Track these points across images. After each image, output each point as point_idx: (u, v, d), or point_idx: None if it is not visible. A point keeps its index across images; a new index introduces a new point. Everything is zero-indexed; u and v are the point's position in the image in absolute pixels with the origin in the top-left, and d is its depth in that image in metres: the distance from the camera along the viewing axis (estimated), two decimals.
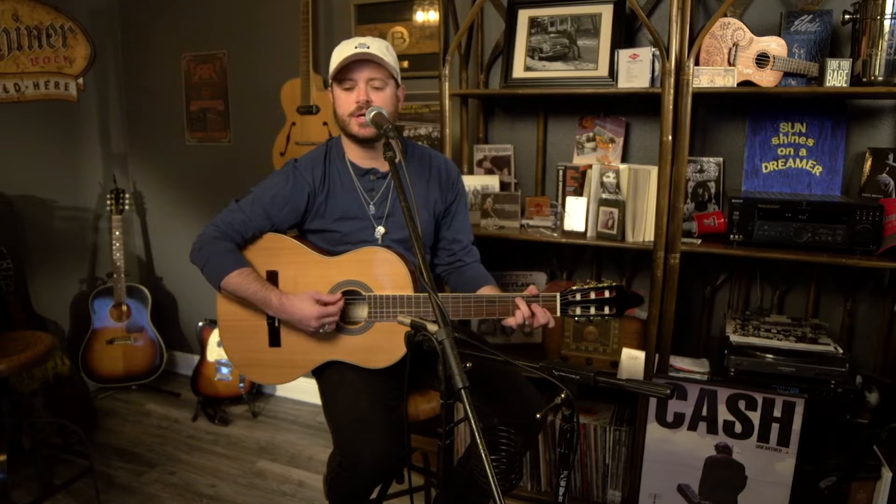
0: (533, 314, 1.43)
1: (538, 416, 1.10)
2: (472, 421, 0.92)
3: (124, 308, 3.03)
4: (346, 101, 1.57)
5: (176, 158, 3.22)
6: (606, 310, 1.42)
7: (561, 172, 2.25)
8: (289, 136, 2.69)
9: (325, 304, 1.53)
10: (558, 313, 1.44)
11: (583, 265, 2.40)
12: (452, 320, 1.98)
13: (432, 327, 1.27)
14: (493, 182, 2.30)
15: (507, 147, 2.38)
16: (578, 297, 1.42)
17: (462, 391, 0.95)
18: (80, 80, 2.89)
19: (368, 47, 1.53)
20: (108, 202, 3.01)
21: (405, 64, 2.55)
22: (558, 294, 1.44)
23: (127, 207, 3.06)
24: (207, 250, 1.58)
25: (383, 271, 1.55)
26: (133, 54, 3.24)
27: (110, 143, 3.28)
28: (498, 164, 2.39)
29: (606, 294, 1.42)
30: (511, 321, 1.45)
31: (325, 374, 1.62)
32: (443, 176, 1.73)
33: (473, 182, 2.29)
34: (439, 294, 1.48)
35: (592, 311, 1.42)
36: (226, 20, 2.94)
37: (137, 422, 2.91)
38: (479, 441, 0.90)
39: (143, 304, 3.08)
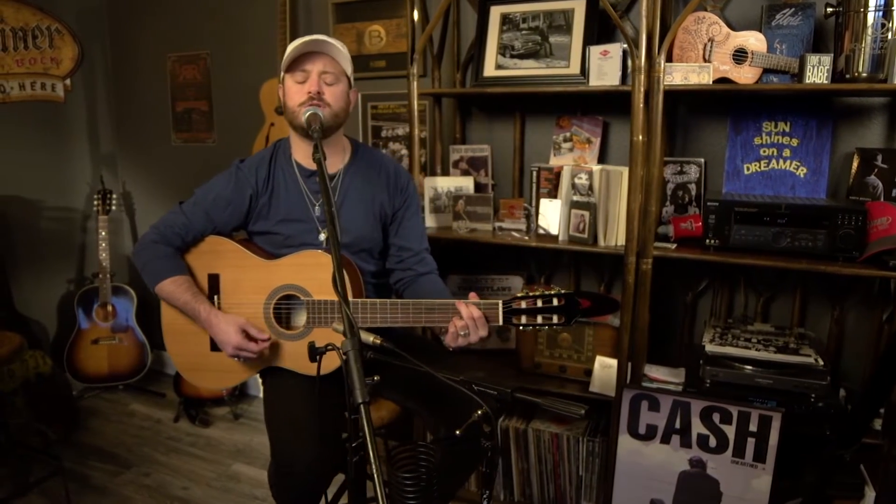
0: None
1: (457, 432, 1.04)
2: (369, 440, 0.87)
3: (109, 308, 3.04)
4: (297, 91, 1.52)
5: (163, 159, 3.22)
6: (555, 318, 1.34)
7: (535, 174, 2.18)
8: (268, 137, 2.66)
9: (251, 338, 1.49)
10: (500, 322, 1.37)
11: (561, 269, 2.32)
12: (404, 328, 1.91)
13: (367, 336, 1.22)
14: (467, 183, 2.24)
15: (483, 147, 2.32)
16: (523, 304, 1.35)
17: (361, 406, 0.90)
18: (68, 81, 2.89)
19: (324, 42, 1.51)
20: (95, 202, 3.01)
21: (382, 63, 2.50)
22: (500, 302, 1.36)
23: (114, 208, 3.06)
24: (145, 254, 1.57)
25: (323, 276, 1.50)
26: (120, 55, 3.24)
27: (99, 144, 3.29)
28: (475, 165, 2.33)
29: (555, 302, 1.34)
30: (448, 338, 1.38)
31: (268, 380, 1.59)
32: (391, 180, 1.68)
33: (446, 183, 2.23)
34: (378, 300, 1.43)
35: (539, 319, 1.34)
36: (209, 20, 2.92)
37: (120, 422, 2.91)
38: (373, 464, 0.85)
39: (129, 304, 3.08)
